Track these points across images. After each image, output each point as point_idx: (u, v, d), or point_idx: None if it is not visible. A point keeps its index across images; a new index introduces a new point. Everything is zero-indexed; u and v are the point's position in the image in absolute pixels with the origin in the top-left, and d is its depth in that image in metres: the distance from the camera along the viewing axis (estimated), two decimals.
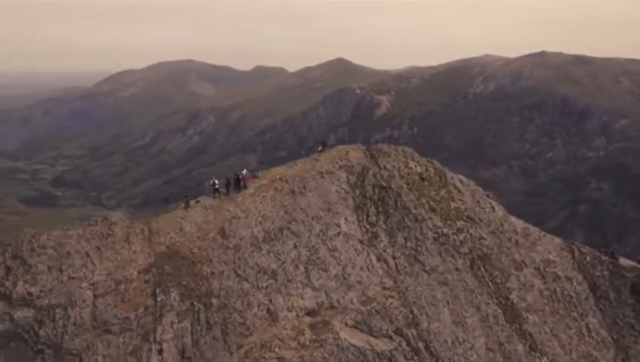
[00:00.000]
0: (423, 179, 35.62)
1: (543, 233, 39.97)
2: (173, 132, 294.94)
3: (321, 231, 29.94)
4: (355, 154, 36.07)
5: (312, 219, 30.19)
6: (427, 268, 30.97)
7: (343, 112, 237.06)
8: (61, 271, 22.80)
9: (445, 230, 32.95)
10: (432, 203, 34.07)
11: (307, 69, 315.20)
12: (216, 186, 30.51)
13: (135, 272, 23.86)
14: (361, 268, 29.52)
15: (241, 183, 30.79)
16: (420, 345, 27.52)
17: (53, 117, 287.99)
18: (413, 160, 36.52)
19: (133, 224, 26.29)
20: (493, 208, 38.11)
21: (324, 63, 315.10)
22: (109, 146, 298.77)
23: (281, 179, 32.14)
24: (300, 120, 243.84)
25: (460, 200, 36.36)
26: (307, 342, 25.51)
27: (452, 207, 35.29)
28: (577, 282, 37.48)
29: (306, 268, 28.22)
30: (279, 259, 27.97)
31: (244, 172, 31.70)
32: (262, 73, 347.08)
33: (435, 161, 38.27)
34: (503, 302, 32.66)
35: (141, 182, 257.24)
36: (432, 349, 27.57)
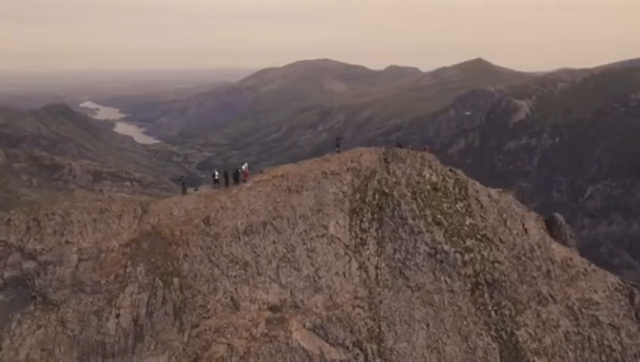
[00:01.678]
0: (436, 190, 33.13)
1: (594, 267, 33.94)
2: (305, 127, 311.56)
3: (304, 230, 30.17)
4: (369, 157, 35.16)
5: (299, 217, 30.58)
6: (412, 284, 29.01)
7: (476, 116, 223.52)
8: (62, 235, 27.53)
9: (447, 247, 30.31)
10: (439, 216, 31.57)
11: (442, 70, 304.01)
12: (216, 177, 32.80)
13: (117, 244, 27.50)
14: (337, 273, 29.04)
15: (240, 177, 32.56)
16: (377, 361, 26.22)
17: (205, 109, 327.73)
18: (430, 168, 34.15)
19: (129, 203, 30.13)
20: (525, 230, 33.64)
21: (461, 64, 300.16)
22: (248, 137, 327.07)
23: (282, 175, 33.08)
24: (428, 121, 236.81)
25: (481, 216, 32.92)
26: (259, 335, 26.32)
27: (467, 222, 32.19)
28: (628, 333, 31.18)
29: (278, 265, 28.88)
30: (254, 252, 29.13)
31: (244, 167, 33.36)
32: (395, 73, 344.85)
33: (459, 171, 35.16)
34: (504, 337, 28.93)
35: None
36: None
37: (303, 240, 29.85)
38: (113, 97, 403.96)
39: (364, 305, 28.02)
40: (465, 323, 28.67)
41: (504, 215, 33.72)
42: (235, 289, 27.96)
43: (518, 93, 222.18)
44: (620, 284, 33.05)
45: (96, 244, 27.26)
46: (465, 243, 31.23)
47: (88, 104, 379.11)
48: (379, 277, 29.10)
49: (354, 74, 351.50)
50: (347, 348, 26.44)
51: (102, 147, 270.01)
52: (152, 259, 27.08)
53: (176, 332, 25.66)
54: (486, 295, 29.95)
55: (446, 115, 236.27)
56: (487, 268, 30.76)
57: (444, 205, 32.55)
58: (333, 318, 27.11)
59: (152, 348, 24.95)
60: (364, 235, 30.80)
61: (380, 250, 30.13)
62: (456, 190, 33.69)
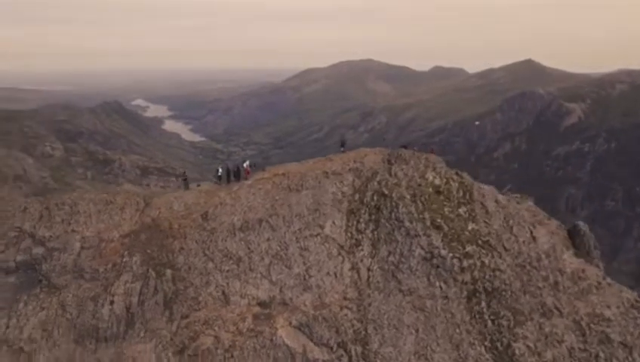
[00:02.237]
0: (438, 193, 32.32)
1: (610, 281, 31.94)
2: (347, 128, 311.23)
3: (299, 229, 30.36)
4: (373, 158, 34.84)
5: (295, 216, 30.80)
6: (404, 288, 28.49)
7: (523, 119, 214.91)
8: (69, 223, 29.23)
9: (444, 252, 29.52)
10: (438, 219, 30.78)
11: (489, 71, 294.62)
12: (219, 174, 33.60)
13: (117, 235, 28.84)
14: (328, 273, 29.00)
15: (241, 174, 33.20)
16: None
17: (249, 108, 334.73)
18: (433, 170, 33.36)
19: (133, 196, 31.47)
20: (533, 238, 32.17)
21: (509, 65, 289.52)
22: (290, 136, 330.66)
23: (283, 174, 33.44)
24: (472, 124, 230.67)
25: (485, 222, 31.80)
26: (245, 330, 26.79)
27: (469, 228, 31.19)
28: None
29: (270, 262, 29.25)
30: (248, 248, 29.66)
31: (245, 164, 33.93)
32: (440, 74, 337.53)
33: (465, 175, 34.09)
34: (500, 349, 27.81)
35: None
36: None
37: (297, 238, 30.06)
38: (162, 96, 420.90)
39: (352, 306, 27.83)
40: (457, 331, 27.81)
41: (511, 221, 32.38)
42: (227, 283, 28.60)
43: (570, 96, 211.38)
44: (637, 301, 30.88)
45: (98, 234, 28.75)
46: (465, 248, 30.28)
47: (139, 102, 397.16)
48: (370, 279, 28.79)
49: (398, 74, 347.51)
50: (331, 348, 26.38)
51: (150, 143, 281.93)
52: (148, 251, 28.22)
53: (165, 322, 26.61)
54: (483, 303, 28.89)
55: (492, 117, 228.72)
56: (487, 276, 29.66)
57: (446, 209, 31.70)
58: (320, 318, 27.12)
59: (142, 334, 26.03)
60: (360, 236, 30.57)
61: (374, 251, 29.81)
62: (460, 194, 32.71)
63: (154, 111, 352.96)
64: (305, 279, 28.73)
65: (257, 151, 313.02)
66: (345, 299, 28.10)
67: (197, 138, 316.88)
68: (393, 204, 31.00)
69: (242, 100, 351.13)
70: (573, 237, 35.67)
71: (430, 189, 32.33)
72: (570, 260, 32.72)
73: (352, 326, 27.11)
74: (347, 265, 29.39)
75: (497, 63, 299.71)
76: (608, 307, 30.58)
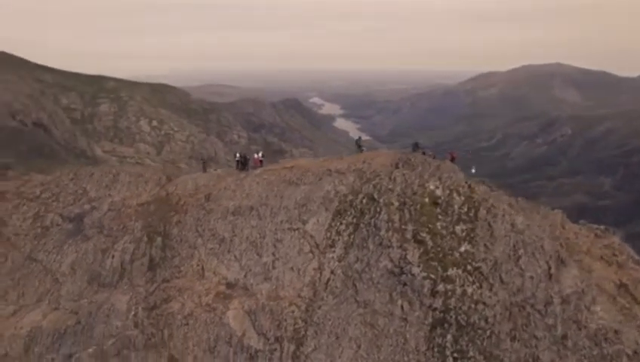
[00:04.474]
0: (435, 204, 28.82)
1: None
2: (522, 138, 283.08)
3: (281, 221, 30.89)
4: (381, 160, 32.90)
5: (282, 208, 31.42)
6: (359, 299, 26.62)
7: None
8: (109, 189, 35.64)
9: (416, 269, 26.46)
10: (423, 234, 27.59)
11: None
12: (237, 159, 36.13)
13: (135, 203, 33.92)
14: (292, 268, 28.95)
15: (249, 163, 35.08)
16: None
17: (417, 110, 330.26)
18: (439, 180, 29.77)
19: (159, 173, 36.22)
20: (550, 276, 26.19)
21: None
22: (457, 142, 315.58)
23: (291, 167, 34.23)
24: None
25: (485, 246, 27.23)
26: (204, 304, 28.97)
27: (461, 249, 27.17)
28: None
29: (246, 247, 30.63)
30: (233, 232, 31.58)
31: (256, 155, 35.49)
32: None
33: (481, 189, 29.44)
34: None
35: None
36: None
37: (276, 229, 30.73)
38: (336, 94, 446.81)
39: (302, 305, 27.33)
40: (406, 358, 24.80)
41: (520, 251, 26.90)
42: (207, 259, 31.14)
43: None
44: None
45: (123, 200, 34.48)
46: (446, 271, 26.53)
47: (315, 100, 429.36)
48: (330, 282, 27.71)
49: (592, 80, 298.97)
50: (268, 339, 26.58)
51: (320, 139, 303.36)
52: (149, 219, 32.65)
53: (145, 282, 30.58)
54: (449, 337, 24.97)
55: None
56: (464, 307, 25.49)
57: (439, 224, 28.13)
58: (267, 308, 27.48)
59: (125, 287, 30.53)
60: (337, 238, 29.51)
61: (343, 255, 28.49)
62: (464, 210, 28.52)
63: (328, 109, 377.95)
64: (269, 269, 29.33)
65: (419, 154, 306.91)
66: (299, 296, 27.77)
67: (363, 136, 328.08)
68: (377, 209, 29.01)
69: (411, 102, 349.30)
70: None
71: (426, 199, 29.07)
72: (603, 315, 25.65)
73: (295, 324, 26.73)
74: (313, 264, 28.84)
75: None
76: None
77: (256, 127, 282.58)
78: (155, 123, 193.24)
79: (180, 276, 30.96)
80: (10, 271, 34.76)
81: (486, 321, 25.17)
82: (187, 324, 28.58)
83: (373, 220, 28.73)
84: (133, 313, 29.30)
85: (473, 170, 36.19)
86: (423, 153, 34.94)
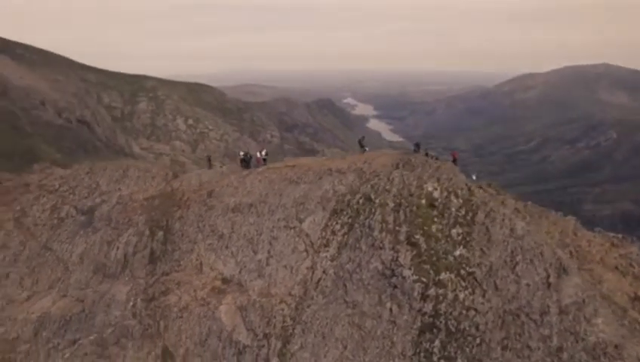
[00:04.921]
0: (432, 207, 28.15)
1: None
2: (562, 142, 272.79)
3: (278, 219, 31.00)
4: (383, 160, 32.42)
5: (280, 206, 31.54)
6: (348, 300, 26.36)
7: None
8: (119, 183, 36.86)
9: (407, 272, 25.94)
10: (417, 236, 27.01)
11: None
12: (241, 157, 36.53)
13: (141, 197, 34.90)
14: (285, 266, 29.01)
15: (252, 161, 35.35)
16: (273, 360, 25.63)
17: (453, 111, 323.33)
18: (437, 181, 29.04)
19: (166, 169, 37.09)
20: (549, 285, 25.07)
21: None
22: (493, 145, 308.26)
23: (292, 166, 34.31)
24: None
25: (481, 250, 26.39)
26: (199, 298, 29.50)
27: (455, 253, 26.43)
28: None
29: (242, 244, 30.93)
30: (232, 228, 31.97)
31: (258, 154, 35.69)
32: None
33: (480, 192, 28.51)
34: None
35: (513, 186, 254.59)
36: None
37: (273, 227, 30.87)
38: (370, 95, 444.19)
39: (292, 303, 27.34)
40: (392, 361, 24.38)
41: (518, 257, 25.87)
42: (205, 254, 31.67)
43: None
44: None
45: (130, 194, 35.59)
46: (438, 275, 25.87)
47: (349, 100, 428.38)
48: (321, 281, 27.57)
49: None
50: (256, 335, 26.75)
51: (353, 140, 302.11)
52: (152, 213, 33.53)
53: (146, 274, 31.43)
54: (437, 342, 24.33)
55: None
56: (454, 313, 24.79)
57: (434, 226, 27.46)
58: (258, 305, 27.67)
59: (126, 279, 31.49)
60: (332, 237, 29.34)
61: (336, 255, 28.28)
62: (462, 213, 27.72)
63: (361, 109, 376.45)
64: (263, 266, 29.50)
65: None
66: (289, 294, 27.80)
67: (395, 138, 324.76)
68: (372, 210, 28.64)
69: (447, 103, 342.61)
70: None
71: (423, 201, 28.44)
72: (603, 328, 24.30)
73: (283, 321, 26.78)
74: (307, 263, 28.79)
75: None
76: None
77: (289, 127, 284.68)
78: (190, 121, 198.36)
79: (180, 270, 31.64)
80: (27, 259, 36.53)
81: (477, 328, 24.39)
82: (182, 317, 29.20)
83: (367, 221, 28.39)
84: (132, 303, 30.20)
85: (474, 177, 35.20)
86: (427, 154, 34.21)
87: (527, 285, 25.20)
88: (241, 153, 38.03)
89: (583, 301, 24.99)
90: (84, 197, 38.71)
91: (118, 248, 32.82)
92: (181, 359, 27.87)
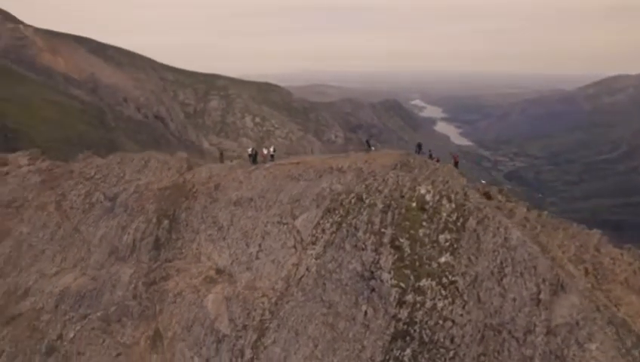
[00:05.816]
0: (422, 210, 26.90)
1: None
2: None
3: (274, 214, 31.29)
4: (384, 160, 31.66)
5: (277, 202, 31.82)
6: (325, 299, 25.99)
7: None
8: (139, 173, 39.15)
9: (386, 276, 25.07)
10: (402, 239, 25.98)
11: None
12: (249, 153, 37.25)
13: (156, 187, 36.76)
14: (273, 260, 29.22)
15: (258, 157, 35.87)
16: (247, 352, 25.96)
17: (527, 116, 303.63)
18: (431, 184, 27.66)
19: (182, 161, 38.70)
20: (539, 302, 23.02)
21: None
22: (571, 153, 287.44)
23: (297, 164, 34.46)
24: None
25: (469, 258, 24.85)
26: (192, 285, 30.61)
27: (440, 259, 25.13)
28: None
29: (238, 236, 31.60)
30: (231, 221, 32.78)
31: (265, 151, 36.13)
32: None
33: (475, 197, 26.71)
34: None
35: (592, 198, 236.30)
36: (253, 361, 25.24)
37: (267, 222, 31.23)
38: (440, 97, 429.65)
39: (273, 297, 27.48)
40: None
41: (507, 269, 23.97)
42: (205, 245, 32.78)
43: None
44: None
45: (147, 184, 37.70)
46: (419, 281, 24.74)
47: (417, 102, 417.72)
48: (303, 279, 27.42)
49: None
50: (236, 326, 27.23)
51: (417, 141, 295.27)
52: (162, 203, 35.27)
53: (149, 259, 33.17)
54: (408, 351, 23.25)
55: None
56: (430, 322, 23.56)
57: (421, 230, 26.22)
58: (241, 296, 28.17)
59: (132, 262, 33.44)
60: (321, 235, 29.08)
61: (321, 253, 27.96)
62: (452, 218, 26.20)
63: (429, 111, 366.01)
64: (252, 260, 29.95)
65: (527, 164, 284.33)
66: (272, 289, 27.97)
67: (464, 142, 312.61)
68: (360, 210, 27.98)
69: (522, 107, 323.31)
70: None
71: (413, 204, 27.27)
72: (596, 355, 21.86)
73: (262, 315, 27.01)
74: (293, 260, 28.79)
75: None
76: None
77: (354, 127, 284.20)
78: (258, 119, 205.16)
79: (181, 258, 33.05)
80: (61, 238, 40.01)
81: (451, 341, 23.02)
82: (175, 302, 30.49)
83: (354, 221, 27.81)
84: (133, 286, 32.05)
85: (483, 182, 33.15)
86: (430, 156, 32.77)
87: (514, 300, 23.32)
88: (249, 149, 38.94)
89: (577, 323, 22.65)
90: (113, 185, 41.57)
91: (129, 233, 34.98)
92: (168, 341, 29.13)
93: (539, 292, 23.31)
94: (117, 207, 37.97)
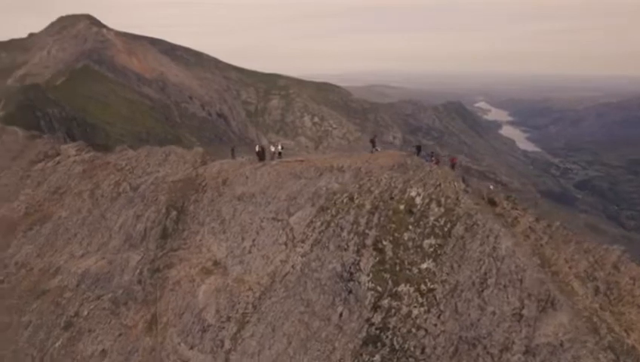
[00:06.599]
0: (410, 213, 25.87)
1: None
2: None
3: (270, 211, 31.53)
4: (384, 161, 30.82)
5: (275, 198, 32.03)
6: (304, 297, 25.82)
7: None
8: (160, 166, 41.02)
9: (364, 278, 24.47)
10: (385, 241, 25.19)
11: None
12: (257, 151, 37.71)
13: (170, 179, 38.33)
14: (262, 256, 29.46)
15: (266, 154, 36.20)
16: (227, 343, 26.40)
17: (604, 121, 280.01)
18: (423, 186, 26.49)
19: (197, 155, 39.96)
20: (520, 317, 21.41)
21: None
22: None
23: (300, 162, 34.48)
24: None
25: (451, 266, 23.61)
26: (190, 275, 31.65)
27: (422, 266, 24.11)
28: None
29: (237, 230, 32.19)
30: (232, 215, 33.45)
31: (272, 148, 36.28)
32: None
33: (468, 203, 25.17)
34: None
35: None
36: (230, 353, 25.59)
37: (263, 218, 31.55)
38: (506, 100, 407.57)
39: (257, 292, 27.70)
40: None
41: (490, 280, 22.43)
42: (207, 237, 33.76)
43: None
44: None
45: (164, 176, 39.47)
46: (396, 286, 23.87)
47: (482, 104, 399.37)
48: (287, 276, 27.41)
49: None
50: (221, 317, 27.78)
51: (481, 146, 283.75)
52: (173, 194, 36.75)
53: (156, 247, 34.71)
54: (377, 357, 22.49)
55: None
56: (402, 330, 22.65)
57: (406, 234, 25.24)
58: (228, 289, 28.69)
59: (141, 249, 35.18)
60: (310, 234, 28.92)
61: (307, 252, 27.78)
62: (439, 223, 24.96)
63: (494, 115, 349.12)
64: (245, 253, 30.38)
65: (603, 173, 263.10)
66: (258, 283, 28.22)
67: (532, 148, 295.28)
68: (349, 210, 27.46)
69: (598, 112, 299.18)
70: None
71: (401, 206, 26.30)
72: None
73: (245, 308, 27.35)
74: (281, 256, 28.85)
75: None
76: None
77: (414, 129, 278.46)
78: (316, 119, 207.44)
79: (185, 248, 34.28)
80: (90, 224, 43.01)
81: (422, 351, 22.00)
82: (173, 290, 31.71)
83: (341, 220, 27.38)
84: (139, 271, 33.74)
85: (491, 187, 31.23)
86: (432, 157, 31.36)
87: (493, 313, 21.83)
88: (257, 147, 39.50)
89: (561, 344, 20.74)
90: (138, 176, 44.01)
91: (142, 222, 36.86)
92: (162, 326, 30.35)
93: (522, 308, 21.64)
94: (136, 197, 40.11)
